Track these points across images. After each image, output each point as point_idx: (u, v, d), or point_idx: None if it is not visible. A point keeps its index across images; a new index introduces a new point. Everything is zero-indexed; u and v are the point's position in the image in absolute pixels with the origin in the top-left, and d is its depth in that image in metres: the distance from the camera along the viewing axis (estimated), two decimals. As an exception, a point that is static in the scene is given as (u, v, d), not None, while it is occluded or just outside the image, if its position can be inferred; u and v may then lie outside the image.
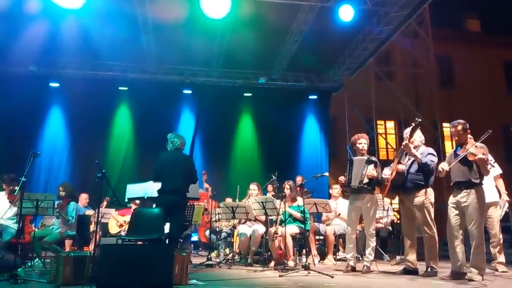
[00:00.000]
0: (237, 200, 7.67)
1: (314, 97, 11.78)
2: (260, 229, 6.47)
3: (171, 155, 5.49)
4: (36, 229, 6.59)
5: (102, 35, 8.95)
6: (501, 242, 5.48)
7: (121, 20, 8.52)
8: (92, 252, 4.25)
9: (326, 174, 7.72)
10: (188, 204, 7.03)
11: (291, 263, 5.78)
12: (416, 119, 4.97)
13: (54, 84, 10.44)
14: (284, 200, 6.16)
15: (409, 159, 5.06)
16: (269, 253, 6.15)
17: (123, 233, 7.30)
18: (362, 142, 5.46)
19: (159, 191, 5.37)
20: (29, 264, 5.66)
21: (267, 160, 10.98)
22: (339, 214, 6.99)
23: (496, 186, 5.60)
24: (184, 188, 5.38)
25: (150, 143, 9.86)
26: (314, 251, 6.79)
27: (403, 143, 4.98)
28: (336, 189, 7.44)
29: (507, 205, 5.68)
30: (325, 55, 10.57)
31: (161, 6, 8.23)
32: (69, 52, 9.65)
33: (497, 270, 5.22)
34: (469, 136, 4.64)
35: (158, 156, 5.60)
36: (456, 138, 4.74)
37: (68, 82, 10.35)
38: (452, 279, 4.45)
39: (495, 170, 5.55)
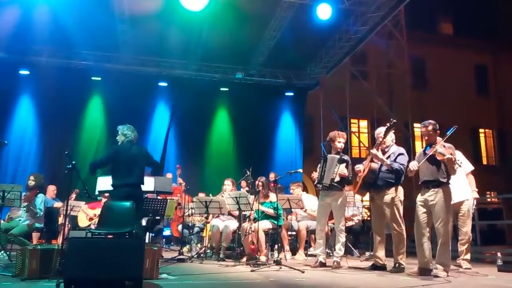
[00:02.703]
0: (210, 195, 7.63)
1: (291, 94, 11.86)
2: (233, 224, 6.47)
3: (123, 149, 5.28)
4: (2, 221, 6.40)
5: (76, 23, 8.71)
6: (470, 240, 5.64)
7: (96, 8, 8.31)
8: (60, 245, 4.15)
9: (300, 170, 7.76)
10: (161, 198, 6.96)
11: (263, 258, 5.82)
12: (391, 119, 5.10)
13: (24, 72, 10.09)
14: (257, 197, 6.18)
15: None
16: (241, 248, 6.17)
17: (93, 227, 7.16)
18: (341, 140, 5.55)
19: (113, 184, 5.21)
20: (-6, 256, 5.49)
21: (242, 155, 10.98)
22: (305, 210, 7.08)
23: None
24: (138, 181, 5.22)
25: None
26: (286, 247, 6.85)
27: (372, 151, 5.08)
28: (293, 189, 7.47)
29: (475, 202, 5.80)
30: (302, 52, 10.65)
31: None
32: (41, 39, 9.33)
33: (461, 266, 5.39)
34: (438, 137, 4.78)
35: (111, 149, 5.43)
36: (426, 138, 4.87)
37: (39, 70, 10.02)
38: (419, 275, 4.58)
39: (467, 167, 5.70)
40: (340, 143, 5.53)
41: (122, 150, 5.26)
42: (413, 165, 4.71)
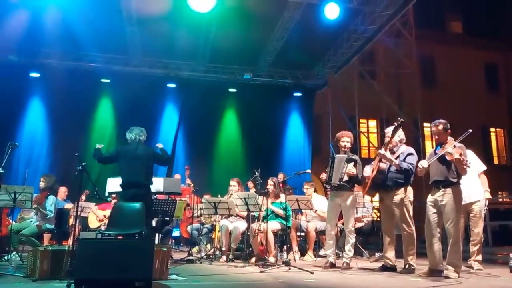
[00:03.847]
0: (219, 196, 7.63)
1: (299, 94, 11.83)
2: (241, 225, 6.46)
3: (129, 149, 5.37)
4: (14, 222, 6.47)
5: (85, 25, 8.78)
6: (482, 241, 5.58)
7: (104, 10, 8.38)
8: (71, 246, 4.19)
9: (309, 171, 7.77)
10: (170, 199, 6.99)
11: (272, 259, 5.81)
12: (399, 118, 5.05)
13: (35, 74, 10.20)
14: (267, 196, 6.18)
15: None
16: (250, 249, 6.17)
17: (103, 228, 7.21)
18: (345, 140, 5.52)
19: (121, 185, 5.28)
20: (6, 257, 5.55)
21: (251, 156, 10.98)
22: (315, 210, 7.06)
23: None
24: (144, 181, 5.28)
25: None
26: (295, 248, 6.83)
27: (380, 152, 5.04)
28: (306, 188, 7.46)
29: (487, 202, 5.71)
30: (310, 52, 10.62)
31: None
32: (51, 42, 9.43)
33: (472, 267, 5.33)
34: (449, 137, 4.73)
35: (118, 148, 5.51)
36: (437, 137, 4.82)
37: (49, 73, 10.12)
38: (429, 276, 4.54)
39: (480, 167, 5.63)
40: (344, 143, 5.51)
41: (127, 151, 5.33)
42: (423, 163, 4.66)
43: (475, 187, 5.47)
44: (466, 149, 4.75)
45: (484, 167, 5.68)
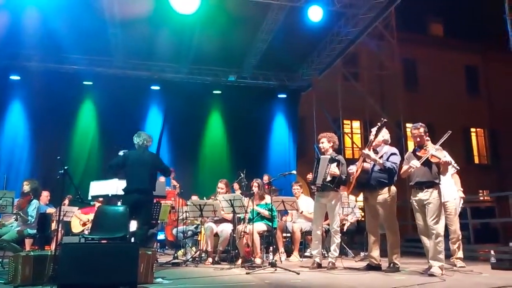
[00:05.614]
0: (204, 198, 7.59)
1: (283, 96, 11.90)
2: (227, 228, 6.42)
3: (136, 154, 5.41)
4: (-6, 227, 6.32)
5: (67, 27, 8.67)
6: (460, 238, 5.71)
7: (86, 12, 8.28)
8: (53, 251, 4.11)
9: (294, 172, 7.76)
10: (155, 202, 6.93)
11: (258, 261, 5.81)
12: (382, 119, 5.13)
13: (15, 77, 10.03)
14: (252, 198, 6.18)
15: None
16: (236, 250, 6.16)
17: (86, 232, 7.09)
18: (324, 141, 5.57)
19: (124, 189, 5.30)
20: (-14, 264, 5.42)
21: (236, 158, 10.98)
22: (301, 212, 7.09)
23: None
24: (149, 187, 5.30)
25: (115, 140, 9.57)
26: (281, 249, 6.84)
27: (364, 152, 5.11)
28: (295, 189, 7.51)
29: (462, 201, 5.89)
30: (294, 54, 10.69)
31: (129, -1, 8.08)
32: (32, 44, 9.28)
33: (455, 265, 5.43)
34: (426, 138, 4.86)
35: (125, 153, 5.51)
36: (418, 139, 4.94)
37: (29, 75, 9.96)
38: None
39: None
40: (322, 144, 5.56)
41: (133, 156, 5.34)
42: (416, 163, 4.73)
43: (448, 187, 5.61)
44: (443, 150, 4.88)
45: (457, 167, 5.84)
